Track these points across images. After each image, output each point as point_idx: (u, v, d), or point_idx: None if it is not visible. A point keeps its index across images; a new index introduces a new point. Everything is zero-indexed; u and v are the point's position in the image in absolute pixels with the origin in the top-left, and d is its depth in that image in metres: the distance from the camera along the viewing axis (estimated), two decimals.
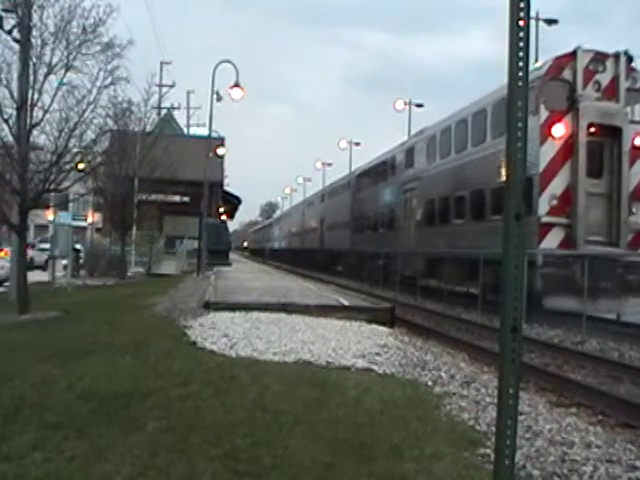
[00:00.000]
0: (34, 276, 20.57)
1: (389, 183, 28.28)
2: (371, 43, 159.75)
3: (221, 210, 44.49)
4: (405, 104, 42.64)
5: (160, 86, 41.91)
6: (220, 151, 35.45)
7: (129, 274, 26.87)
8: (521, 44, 2.91)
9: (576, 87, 15.71)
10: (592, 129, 15.59)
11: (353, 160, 52.44)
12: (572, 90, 15.74)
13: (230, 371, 7.08)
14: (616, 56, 16.08)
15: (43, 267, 29.01)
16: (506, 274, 2.95)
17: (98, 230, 37.52)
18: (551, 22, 27.73)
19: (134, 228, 28.41)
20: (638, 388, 8.70)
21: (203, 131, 37.33)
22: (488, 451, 4.63)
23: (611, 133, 15.81)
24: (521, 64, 2.92)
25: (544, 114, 15.66)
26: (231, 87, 24.72)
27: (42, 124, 13.38)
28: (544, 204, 15.46)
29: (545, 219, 15.43)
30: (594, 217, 15.74)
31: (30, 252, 33.15)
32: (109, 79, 14.26)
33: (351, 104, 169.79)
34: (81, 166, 15.75)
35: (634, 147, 15.90)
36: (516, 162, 2.95)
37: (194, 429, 4.91)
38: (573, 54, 15.91)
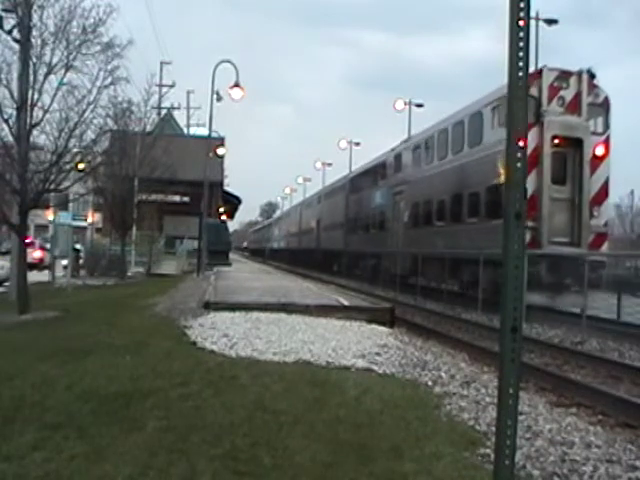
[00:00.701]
0: (34, 276, 20.58)
1: (380, 186, 29.87)
2: (371, 43, 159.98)
3: (221, 210, 44.49)
4: (405, 104, 42.64)
5: (160, 86, 41.96)
6: (220, 151, 35.46)
7: (129, 274, 26.87)
8: (521, 44, 2.92)
9: (542, 102, 17.14)
10: (556, 140, 17.00)
11: (353, 160, 52.57)
12: (538, 105, 17.11)
13: (230, 371, 7.08)
14: (579, 74, 17.48)
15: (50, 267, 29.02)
16: (506, 274, 2.95)
17: (98, 230, 37.53)
18: (551, 22, 27.77)
19: (134, 228, 28.41)
20: (638, 388, 8.70)
21: (203, 131, 37.34)
22: (488, 451, 4.63)
23: (573, 144, 17.23)
24: (521, 64, 2.92)
25: None
26: (231, 87, 24.71)
27: (42, 124, 13.41)
28: None
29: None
30: (558, 220, 17.26)
31: (39, 253, 33.31)
32: (109, 79, 14.29)
33: (351, 104, 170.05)
34: (81, 166, 15.75)
35: (595, 157, 17.31)
36: (516, 162, 2.95)
37: (194, 429, 4.91)
38: (539, 72, 17.27)
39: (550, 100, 17.24)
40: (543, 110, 17.10)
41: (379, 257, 28.55)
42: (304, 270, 39.34)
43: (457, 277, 19.80)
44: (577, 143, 17.21)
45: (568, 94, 17.42)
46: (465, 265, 19.13)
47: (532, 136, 16.49)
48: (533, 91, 16.89)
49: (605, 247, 17.81)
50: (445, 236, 21.43)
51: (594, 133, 17.51)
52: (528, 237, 16.13)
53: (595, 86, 17.83)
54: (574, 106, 17.40)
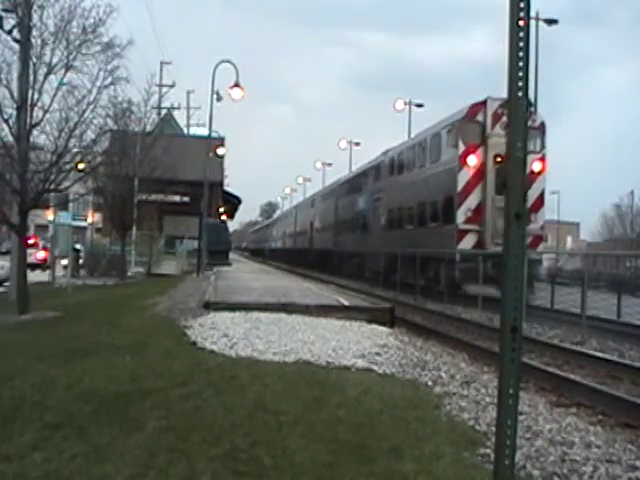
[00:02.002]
0: (35, 276, 20.59)
1: (363, 193, 33.27)
2: (372, 43, 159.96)
3: (221, 210, 44.47)
4: (405, 104, 42.67)
5: (160, 86, 41.90)
6: (220, 151, 35.43)
7: (129, 274, 26.87)
8: (521, 44, 2.92)
9: (486, 127, 20.48)
10: (498, 159, 19.90)
11: (353, 160, 52.70)
12: (483, 129, 20.53)
13: (230, 371, 7.07)
14: None
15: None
16: (506, 274, 2.95)
17: (98, 230, 37.52)
18: (551, 22, 27.75)
19: (134, 228, 28.40)
20: (638, 388, 8.70)
21: (203, 131, 37.32)
22: (488, 451, 4.63)
23: None
24: (521, 64, 2.92)
25: (461, 147, 20.82)
26: (231, 87, 24.69)
27: (42, 124, 13.41)
28: (461, 216, 20.57)
29: (462, 227, 20.51)
30: (500, 225, 18.74)
31: (43, 254, 33.35)
32: (109, 79, 14.28)
33: (351, 104, 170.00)
34: (81, 166, 15.74)
35: (532, 172, 19.95)
36: (516, 162, 2.95)
37: (194, 429, 4.91)
38: (484, 102, 20.57)
39: (494, 125, 20.30)
40: (488, 133, 20.38)
41: (362, 256, 31.74)
42: (301, 269, 40.75)
43: (424, 273, 22.45)
44: None
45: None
46: (430, 263, 22.13)
47: (479, 155, 20.42)
48: (479, 117, 20.60)
49: (541, 247, 21.56)
50: (413, 238, 24.33)
51: (532, 152, 19.86)
52: (475, 239, 20.48)
53: (531, 112, 21.17)
54: None
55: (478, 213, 20.29)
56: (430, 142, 23.92)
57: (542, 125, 21.22)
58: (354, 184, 35.83)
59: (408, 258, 23.36)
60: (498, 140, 19.52)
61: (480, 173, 20.38)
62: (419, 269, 22.10)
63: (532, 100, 21.94)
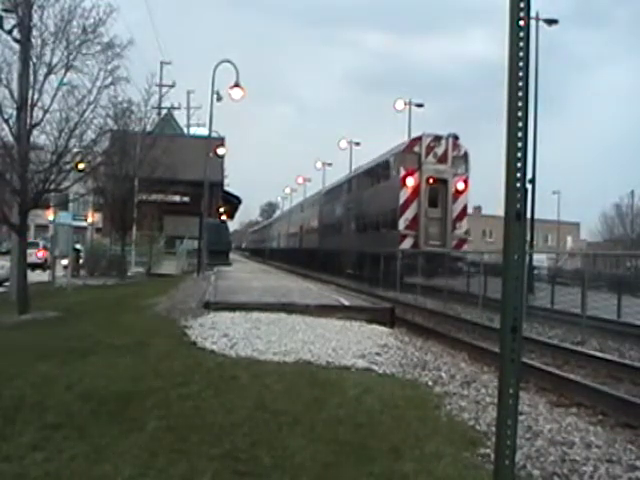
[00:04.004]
0: (35, 276, 20.58)
1: (340, 201, 39.32)
2: (372, 43, 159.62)
3: (221, 210, 44.47)
4: (405, 104, 42.64)
5: (160, 86, 41.87)
6: (220, 151, 35.42)
7: (129, 274, 26.86)
8: (521, 44, 2.91)
9: (421, 156, 27.10)
10: (430, 180, 26.97)
11: (353, 160, 52.79)
12: (419, 158, 27.13)
13: (230, 371, 7.08)
14: (447, 137, 27.36)
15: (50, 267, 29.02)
16: (506, 274, 2.95)
17: (98, 230, 37.49)
18: (551, 22, 27.66)
19: (134, 228, 28.39)
20: (638, 388, 8.70)
21: (203, 131, 37.30)
22: (488, 451, 4.63)
23: (442, 182, 27.12)
24: (521, 64, 2.92)
25: (402, 171, 27.25)
26: (231, 87, 24.66)
27: (42, 124, 13.40)
28: (402, 223, 27.05)
29: (403, 232, 26.95)
30: (432, 231, 27.00)
31: (42, 253, 33.38)
32: (109, 79, 14.28)
33: (351, 104, 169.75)
34: (81, 166, 15.73)
35: (456, 190, 27.16)
36: (516, 162, 2.94)
37: (194, 429, 4.91)
38: (420, 138, 27.64)
39: (427, 155, 27.01)
40: (422, 161, 26.95)
41: (340, 254, 37.32)
42: (299, 269, 43.26)
43: (379, 267, 27.44)
44: (444, 182, 27.04)
45: (439, 150, 27.11)
46: (383, 259, 27.09)
47: (415, 178, 26.89)
48: (416, 149, 27.24)
49: (465, 248, 27.43)
50: (374, 239, 30.09)
51: (456, 174, 27.11)
52: (412, 241, 26.78)
53: (457, 144, 27.43)
54: (443, 158, 27.09)
55: (414, 222, 26.86)
56: (382, 166, 30.73)
57: (465, 154, 27.58)
58: (333, 194, 42.30)
59: (370, 256, 29.14)
60: (430, 167, 26.81)
61: (416, 191, 26.94)
62: (374, 265, 27.88)
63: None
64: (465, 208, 27.58)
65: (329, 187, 46.18)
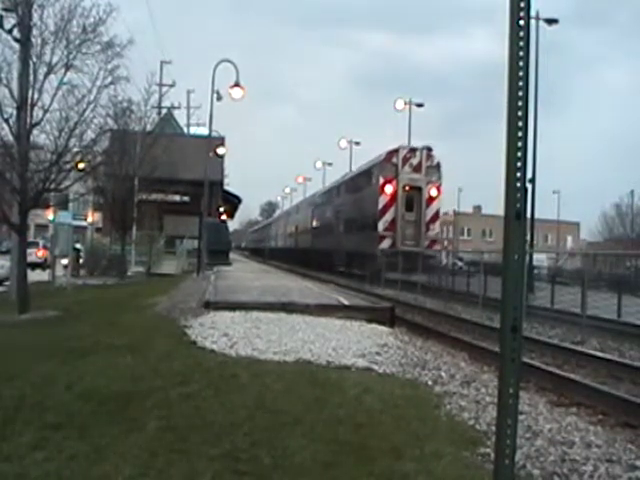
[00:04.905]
0: (35, 275, 20.58)
1: (329, 205, 42.70)
2: (372, 43, 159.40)
3: (221, 210, 44.45)
4: (405, 104, 42.67)
5: (160, 85, 41.80)
6: (220, 151, 35.39)
7: (129, 274, 26.85)
8: (521, 44, 2.91)
9: (398, 166, 30.25)
10: (407, 188, 30.31)
11: (353, 160, 52.90)
12: (396, 168, 30.27)
13: (230, 370, 7.08)
14: (422, 149, 30.83)
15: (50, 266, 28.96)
16: (506, 274, 2.94)
17: (98, 230, 37.47)
18: (551, 22, 27.65)
19: (134, 228, 28.37)
20: (638, 388, 8.70)
21: (203, 131, 37.28)
22: (488, 451, 4.63)
23: (417, 189, 30.42)
24: (521, 64, 2.91)
25: (381, 180, 30.48)
26: (231, 87, 24.66)
27: (42, 123, 13.39)
28: (381, 226, 30.17)
29: (382, 233, 30.07)
30: (407, 232, 30.24)
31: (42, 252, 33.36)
32: (109, 78, 14.27)
33: (352, 104, 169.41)
34: (81, 166, 15.73)
35: (430, 196, 30.47)
36: (516, 162, 2.94)
37: (194, 429, 4.91)
38: (397, 150, 30.64)
39: (404, 165, 30.23)
40: (399, 171, 30.18)
41: (330, 253, 39.93)
42: (286, 264, 48.22)
43: (364, 265, 31.08)
44: (419, 189, 30.30)
45: (415, 161, 30.36)
46: (366, 257, 30.86)
47: (393, 185, 30.10)
48: (394, 160, 30.34)
49: (436, 247, 31.27)
50: (359, 239, 33.16)
51: (429, 182, 30.38)
52: (390, 242, 29.92)
53: (431, 156, 30.79)
54: (418, 168, 30.33)
55: (392, 224, 30.09)
56: (365, 174, 34.20)
57: (438, 164, 31.01)
58: (324, 198, 45.82)
59: (357, 255, 33.29)
60: (406, 175, 30.15)
61: (394, 197, 30.16)
62: (357, 261, 33.09)
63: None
64: (437, 212, 31.05)
65: (321, 191, 49.88)
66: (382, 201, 30.22)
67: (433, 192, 30.37)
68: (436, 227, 30.92)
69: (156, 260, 29.18)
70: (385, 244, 29.78)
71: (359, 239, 33.08)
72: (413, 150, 30.74)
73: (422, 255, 27.08)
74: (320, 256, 42.90)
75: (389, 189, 30.08)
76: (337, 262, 37.95)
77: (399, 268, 26.29)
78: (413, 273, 25.91)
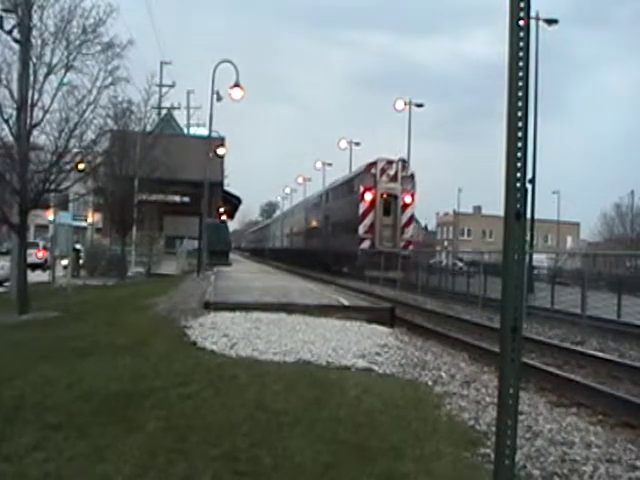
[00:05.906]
0: (35, 276, 20.58)
1: (320, 209, 46.26)
2: (372, 43, 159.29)
3: (221, 210, 44.45)
4: (405, 104, 42.69)
5: (160, 86, 41.84)
6: (220, 151, 35.40)
7: (129, 274, 26.85)
8: (521, 44, 2.91)
9: (377, 176, 33.87)
10: (384, 195, 33.86)
11: (353, 160, 53.01)
12: (375, 178, 33.88)
13: (230, 371, 7.08)
14: (398, 161, 34.31)
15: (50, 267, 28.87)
16: (506, 273, 2.94)
17: (98, 230, 37.49)
18: (551, 22, 27.68)
19: (134, 228, 28.36)
20: (638, 388, 8.70)
21: (203, 131, 37.32)
22: (488, 451, 4.63)
23: (393, 197, 33.94)
24: (521, 64, 2.91)
25: (362, 188, 34.16)
26: (231, 87, 24.67)
27: (42, 124, 13.37)
28: (362, 229, 33.78)
29: (362, 235, 33.71)
30: (385, 235, 33.78)
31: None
32: (109, 79, 14.25)
33: (352, 104, 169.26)
34: (81, 166, 15.72)
35: (404, 203, 33.99)
36: (516, 162, 2.94)
37: (194, 429, 4.91)
38: (375, 162, 34.10)
39: (381, 175, 33.87)
40: (377, 180, 33.71)
41: (320, 253, 43.19)
42: (282, 263, 50.64)
43: (349, 263, 36.05)
44: (395, 196, 33.80)
45: (391, 171, 33.93)
46: (350, 257, 34.95)
47: (372, 193, 33.67)
48: (372, 170, 33.91)
49: (410, 248, 33.90)
50: (344, 241, 36.77)
51: (405, 190, 33.95)
52: (369, 243, 33.53)
53: (406, 167, 34.65)
54: (394, 178, 33.92)
55: (371, 227, 33.74)
56: (348, 183, 38.64)
57: (412, 175, 34.59)
58: (315, 202, 49.47)
59: (341, 254, 37.50)
60: (383, 185, 33.79)
61: (372, 204, 33.75)
62: (343, 260, 37.53)
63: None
64: (412, 217, 35.25)
65: (314, 195, 53.73)
66: (362, 207, 34.00)
67: (407, 199, 34.12)
68: (410, 230, 34.76)
69: (156, 260, 29.19)
70: (365, 245, 33.53)
71: (343, 240, 37.04)
72: (390, 162, 34.17)
73: (398, 254, 30.67)
74: (311, 256, 46.14)
75: (369, 196, 33.85)
76: (325, 261, 41.22)
77: (378, 266, 29.48)
78: (390, 270, 29.05)
